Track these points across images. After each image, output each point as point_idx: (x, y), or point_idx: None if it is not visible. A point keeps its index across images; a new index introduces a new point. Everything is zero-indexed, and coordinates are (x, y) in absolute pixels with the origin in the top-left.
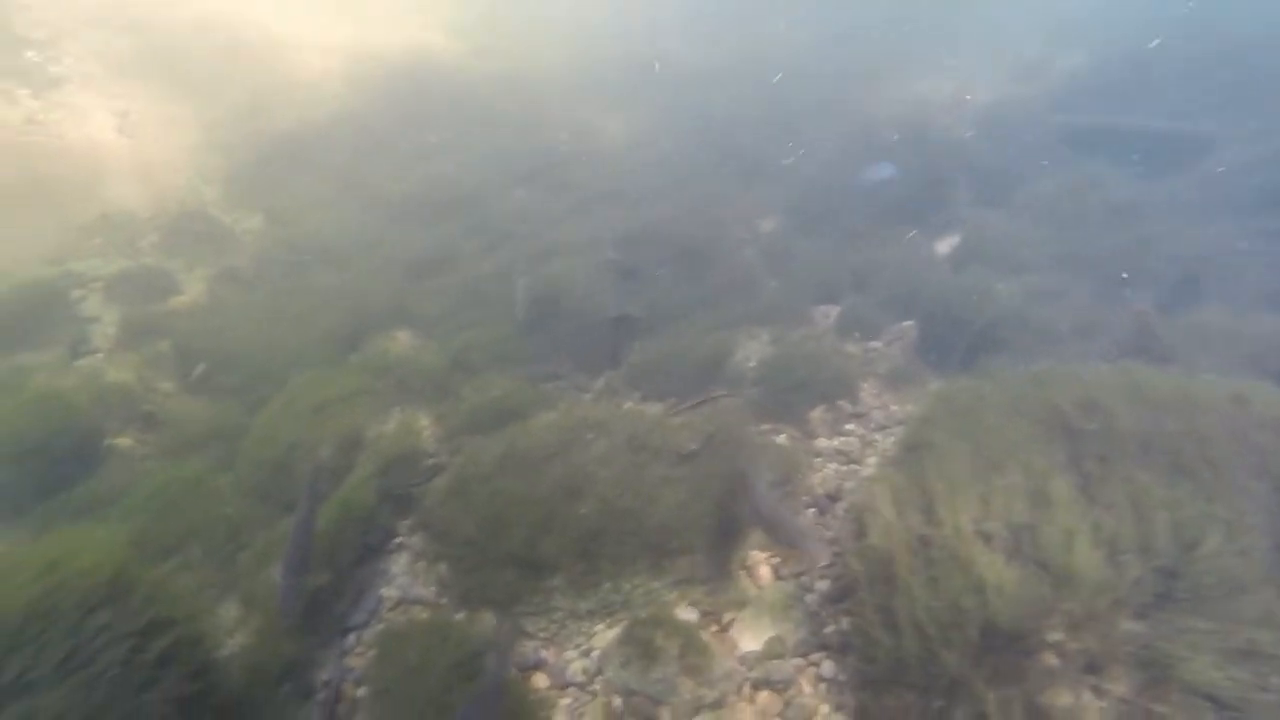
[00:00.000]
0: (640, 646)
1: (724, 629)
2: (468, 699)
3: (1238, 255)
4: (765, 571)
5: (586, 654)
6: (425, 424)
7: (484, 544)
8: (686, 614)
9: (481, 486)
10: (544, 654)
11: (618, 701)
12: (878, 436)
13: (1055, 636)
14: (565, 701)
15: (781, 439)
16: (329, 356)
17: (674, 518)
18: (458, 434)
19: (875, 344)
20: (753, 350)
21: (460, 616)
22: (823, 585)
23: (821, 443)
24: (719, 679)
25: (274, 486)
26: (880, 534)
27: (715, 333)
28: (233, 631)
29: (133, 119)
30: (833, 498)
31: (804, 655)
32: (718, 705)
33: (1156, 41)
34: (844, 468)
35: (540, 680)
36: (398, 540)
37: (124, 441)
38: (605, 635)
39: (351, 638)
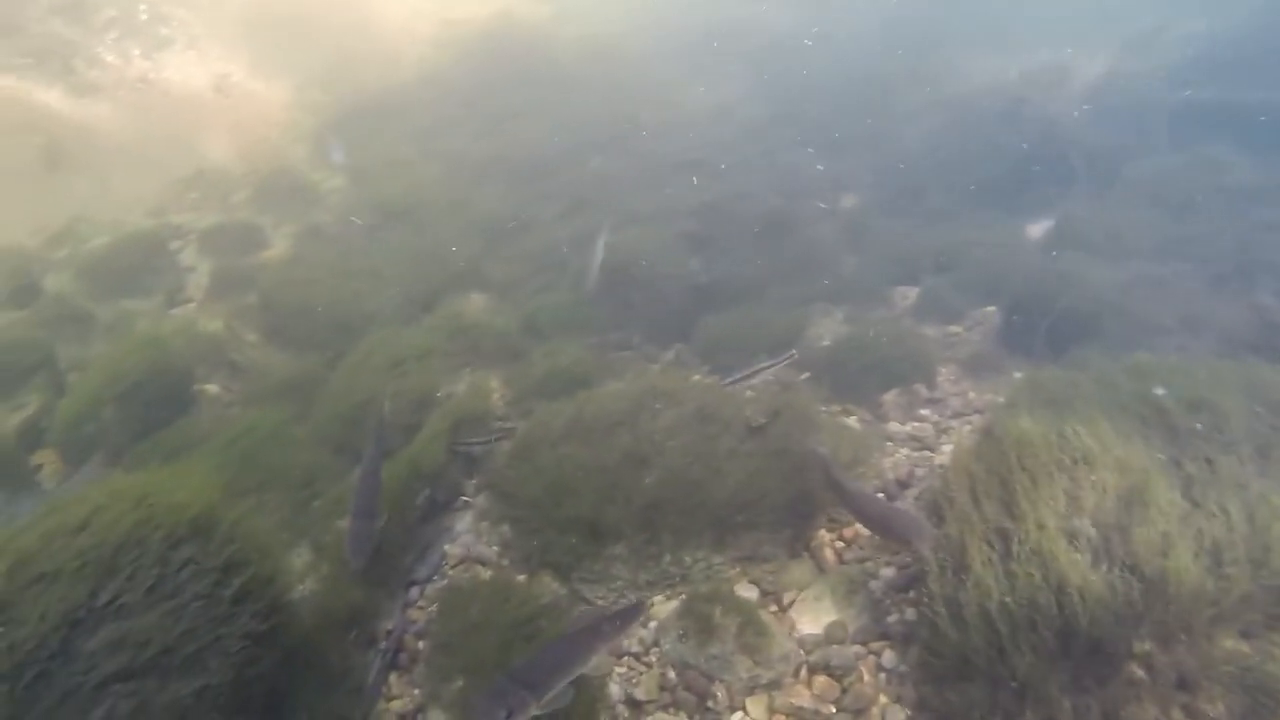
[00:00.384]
0: (699, 621)
1: (784, 609)
2: None
3: None
4: (830, 554)
5: (644, 625)
6: (495, 386)
7: (548, 508)
8: (747, 591)
9: (548, 451)
10: None
11: (672, 674)
12: (954, 423)
13: (1144, 647)
14: (620, 670)
15: (852, 420)
16: (406, 315)
17: (740, 492)
18: (527, 398)
19: (955, 328)
20: (826, 328)
21: (521, 578)
22: (888, 572)
23: (894, 426)
24: (776, 660)
25: (348, 439)
26: (955, 522)
27: (790, 309)
28: (304, 577)
29: (231, 80)
30: (903, 484)
31: (865, 643)
32: (774, 686)
33: None
34: (916, 454)
35: None
36: (464, 499)
37: (211, 388)
38: (664, 607)
39: (415, 591)
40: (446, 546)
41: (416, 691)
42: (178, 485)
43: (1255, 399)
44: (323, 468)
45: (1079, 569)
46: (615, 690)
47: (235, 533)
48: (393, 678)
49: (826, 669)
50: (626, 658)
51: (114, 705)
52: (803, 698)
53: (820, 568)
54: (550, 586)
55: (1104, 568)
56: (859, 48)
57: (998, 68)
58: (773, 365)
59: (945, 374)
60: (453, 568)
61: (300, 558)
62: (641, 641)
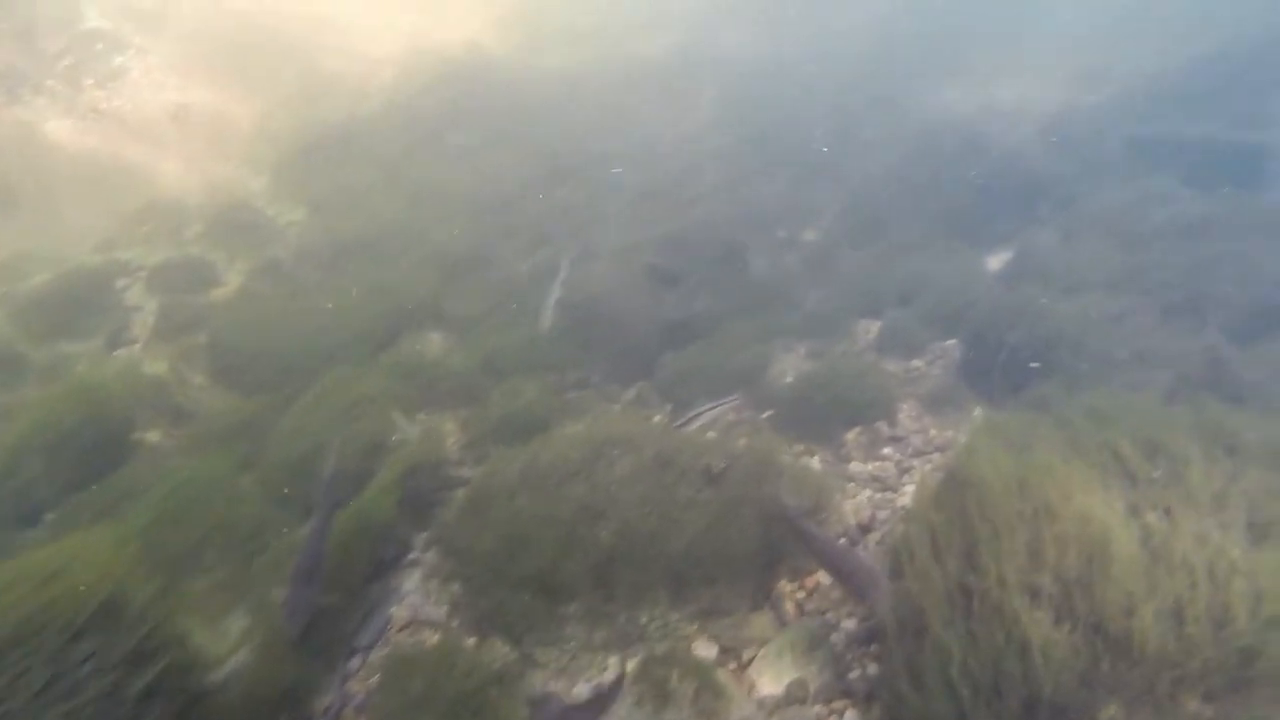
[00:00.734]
0: (654, 686)
1: (743, 667)
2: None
3: None
4: (791, 606)
5: (598, 688)
6: (451, 429)
7: (500, 564)
8: (705, 649)
9: (502, 503)
10: (553, 686)
11: None
12: (915, 462)
13: (1109, 712)
14: None
15: (814, 461)
16: (362, 354)
17: (698, 544)
18: (483, 441)
19: (916, 363)
20: (789, 364)
21: (471, 641)
22: (850, 624)
23: (856, 467)
24: None
25: (297, 487)
26: (915, 578)
27: (753, 344)
28: (238, 647)
29: (189, 109)
30: (865, 528)
31: (827, 702)
32: None
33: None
34: (879, 495)
35: None
36: (412, 555)
37: (152, 436)
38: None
39: (356, 660)
40: (393, 609)
41: None
42: (89, 557)
43: (1210, 441)
44: (268, 520)
45: (1042, 629)
46: None
47: (152, 613)
48: None
49: None
50: None
51: None
52: None
53: (781, 620)
54: (501, 651)
55: (1067, 628)
56: (825, 79)
57: (957, 100)
58: (717, 407)
59: (907, 410)
60: (398, 631)
61: (236, 624)
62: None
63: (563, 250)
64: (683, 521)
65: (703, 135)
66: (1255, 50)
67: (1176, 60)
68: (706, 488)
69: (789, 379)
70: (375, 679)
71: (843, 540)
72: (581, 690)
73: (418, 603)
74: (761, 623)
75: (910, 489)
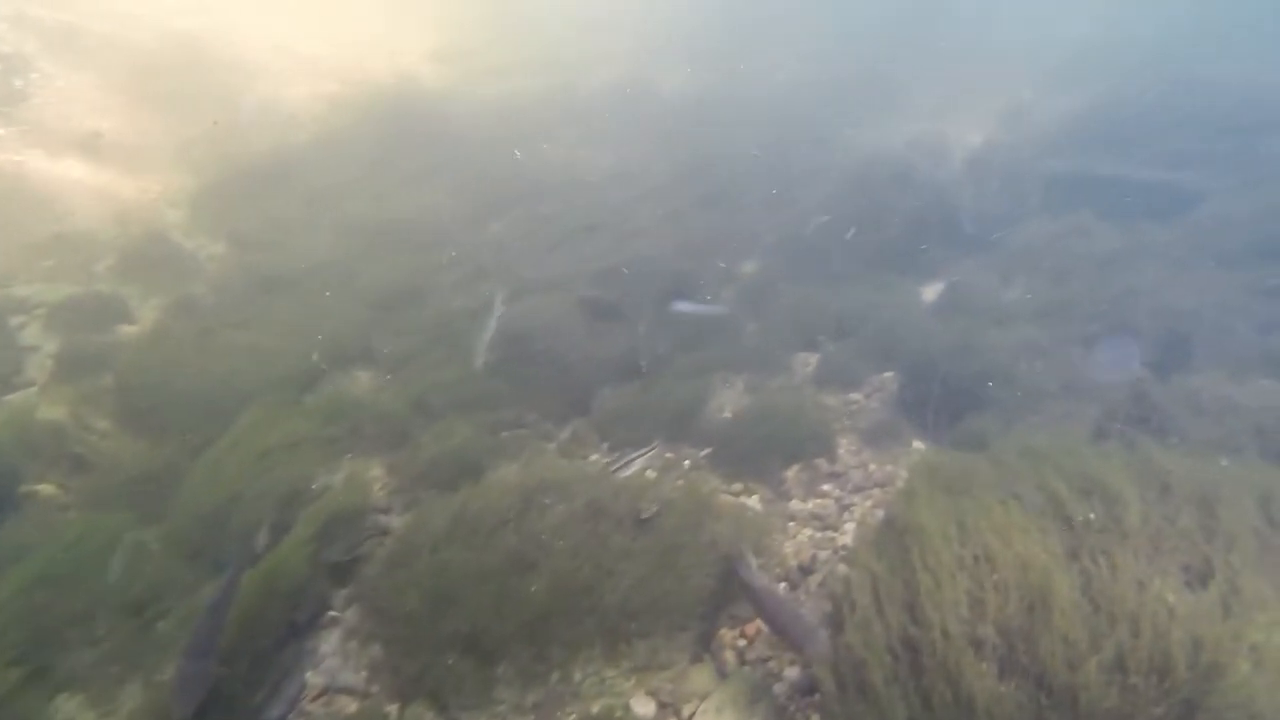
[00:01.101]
0: None
1: None
2: None
3: (1228, 313)
4: (731, 656)
5: None
6: (378, 474)
7: (425, 623)
8: (643, 707)
9: (427, 556)
10: None
11: None
12: (856, 499)
13: None
14: None
15: (753, 500)
16: (284, 396)
17: (634, 596)
18: (413, 486)
19: (855, 396)
20: (728, 399)
21: (392, 709)
22: (792, 673)
23: (796, 505)
24: None
25: (207, 543)
26: (856, 632)
27: (690, 379)
28: None
29: (103, 137)
30: (806, 569)
31: None
32: None
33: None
34: (819, 534)
35: None
36: (331, 614)
37: (46, 488)
38: None
39: None
40: (308, 674)
41: None
42: None
43: (1143, 481)
44: (173, 581)
45: (987, 685)
46: None
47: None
48: None
49: None
50: None
51: None
52: None
53: (722, 671)
54: (426, 719)
55: (1012, 683)
56: (761, 114)
57: (885, 136)
58: (642, 455)
59: (846, 445)
60: (313, 701)
61: (129, 700)
62: None
63: (497, 284)
64: (617, 572)
65: (642, 170)
66: (1161, 97)
67: (1090, 101)
68: (641, 535)
69: (726, 414)
70: None
71: (783, 584)
72: None
73: (335, 667)
74: (701, 675)
75: (851, 527)
